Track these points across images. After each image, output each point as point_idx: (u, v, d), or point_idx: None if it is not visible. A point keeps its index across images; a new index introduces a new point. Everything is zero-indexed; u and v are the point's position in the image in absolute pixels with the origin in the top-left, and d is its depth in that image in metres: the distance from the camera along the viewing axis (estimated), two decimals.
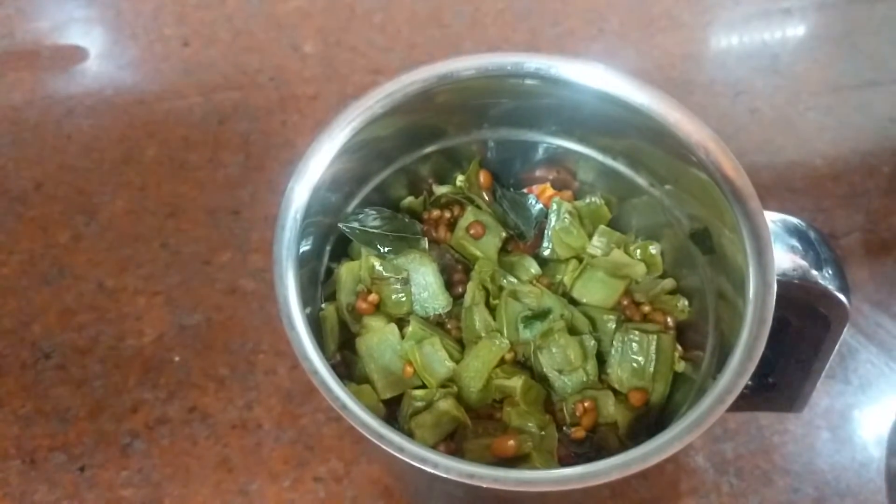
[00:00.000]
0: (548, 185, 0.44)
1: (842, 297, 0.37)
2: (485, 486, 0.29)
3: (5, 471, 0.51)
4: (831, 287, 0.36)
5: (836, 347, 0.40)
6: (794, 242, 0.37)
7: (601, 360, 0.39)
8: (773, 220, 0.37)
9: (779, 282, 0.35)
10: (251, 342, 0.56)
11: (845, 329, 0.39)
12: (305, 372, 0.32)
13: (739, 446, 0.53)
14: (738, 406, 0.48)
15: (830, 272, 0.37)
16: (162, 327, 0.56)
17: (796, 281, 0.36)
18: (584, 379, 0.38)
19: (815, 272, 0.36)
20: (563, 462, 0.37)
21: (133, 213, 0.61)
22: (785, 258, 0.36)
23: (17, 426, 0.52)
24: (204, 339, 0.56)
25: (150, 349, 0.55)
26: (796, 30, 0.74)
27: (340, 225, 0.40)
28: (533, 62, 0.38)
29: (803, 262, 0.36)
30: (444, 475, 0.29)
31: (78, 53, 0.70)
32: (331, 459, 0.52)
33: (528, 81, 0.38)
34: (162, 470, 0.51)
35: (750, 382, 0.45)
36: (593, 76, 0.38)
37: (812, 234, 0.38)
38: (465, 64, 0.38)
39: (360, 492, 0.51)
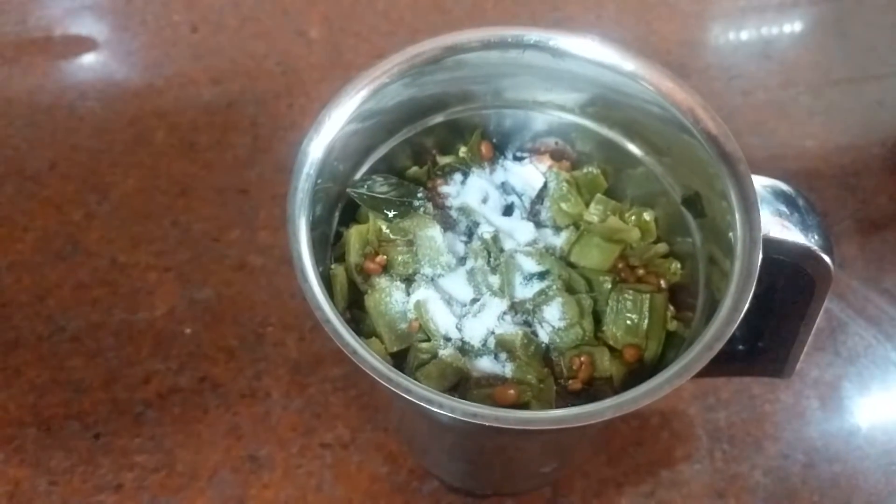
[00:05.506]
0: (547, 155, 0.45)
1: (826, 257, 0.38)
2: (486, 424, 0.30)
3: (22, 438, 0.52)
4: (816, 247, 0.37)
5: (822, 311, 0.42)
6: (782, 206, 0.38)
7: (597, 318, 0.40)
8: (763, 184, 0.39)
9: (765, 241, 0.36)
10: (259, 316, 0.57)
11: (828, 293, 0.40)
12: (319, 322, 0.33)
13: (732, 415, 0.55)
14: (730, 371, 0.50)
15: (816, 235, 0.38)
16: (173, 301, 0.57)
17: (782, 240, 0.37)
18: (581, 335, 0.39)
19: (800, 234, 0.38)
20: None
21: (144, 192, 0.62)
22: (772, 220, 0.37)
23: (33, 395, 0.53)
24: (214, 312, 0.57)
25: (161, 322, 0.57)
26: (789, 18, 0.75)
27: (349, 190, 0.41)
28: (533, 35, 0.40)
29: (790, 224, 0.38)
30: (450, 414, 0.30)
31: (89, 39, 0.71)
32: (337, 427, 0.53)
33: (529, 53, 0.40)
34: (174, 437, 0.52)
35: (741, 347, 0.47)
36: (590, 47, 0.39)
37: (800, 201, 0.40)
38: (469, 36, 0.40)
39: (365, 457, 0.52)
